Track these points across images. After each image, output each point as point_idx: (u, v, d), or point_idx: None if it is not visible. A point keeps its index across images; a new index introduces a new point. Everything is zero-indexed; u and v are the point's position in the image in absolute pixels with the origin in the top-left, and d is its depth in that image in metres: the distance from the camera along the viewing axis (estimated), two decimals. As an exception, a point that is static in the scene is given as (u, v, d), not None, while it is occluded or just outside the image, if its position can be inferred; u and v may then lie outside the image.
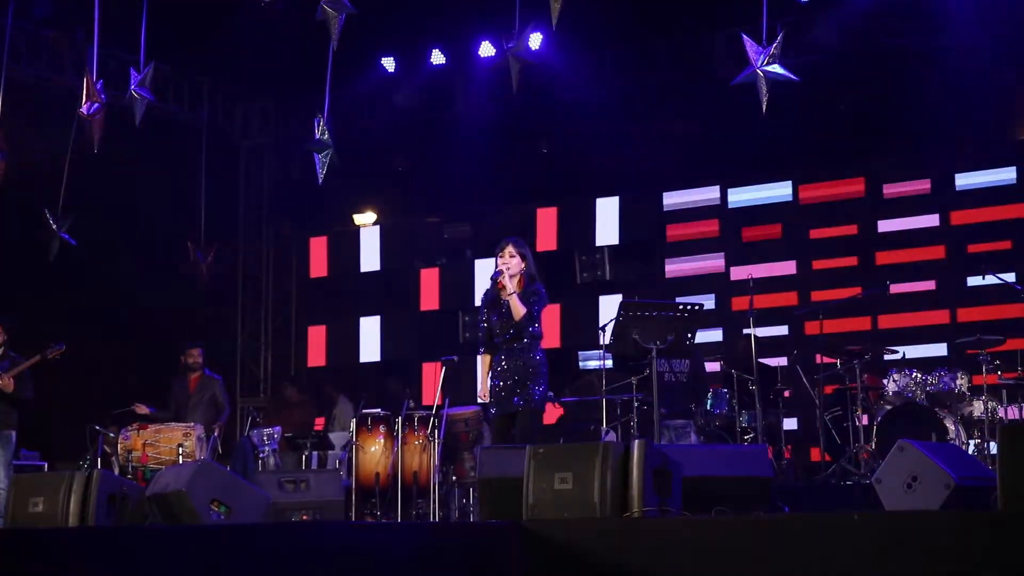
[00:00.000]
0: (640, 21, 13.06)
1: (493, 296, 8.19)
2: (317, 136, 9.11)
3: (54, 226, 10.52)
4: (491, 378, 8.19)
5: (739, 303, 12.83)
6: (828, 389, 11.35)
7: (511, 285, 8.05)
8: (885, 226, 13.10)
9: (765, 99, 7.87)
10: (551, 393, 12.40)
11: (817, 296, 12.93)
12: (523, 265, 8.15)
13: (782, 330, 13.03)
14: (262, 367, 16.16)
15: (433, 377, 14.58)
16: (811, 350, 11.62)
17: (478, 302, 8.66)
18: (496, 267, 8.15)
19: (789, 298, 13.27)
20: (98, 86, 9.59)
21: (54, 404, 12.47)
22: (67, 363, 10.73)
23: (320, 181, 9.25)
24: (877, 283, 11.72)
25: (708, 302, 13.26)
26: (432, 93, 14.60)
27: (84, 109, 9.31)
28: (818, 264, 13.36)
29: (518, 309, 8.00)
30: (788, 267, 13.51)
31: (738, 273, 13.31)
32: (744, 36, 7.91)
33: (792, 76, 7.91)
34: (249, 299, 16.27)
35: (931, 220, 12.91)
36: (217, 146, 15.19)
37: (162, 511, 7.04)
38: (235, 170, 16.17)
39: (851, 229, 13.27)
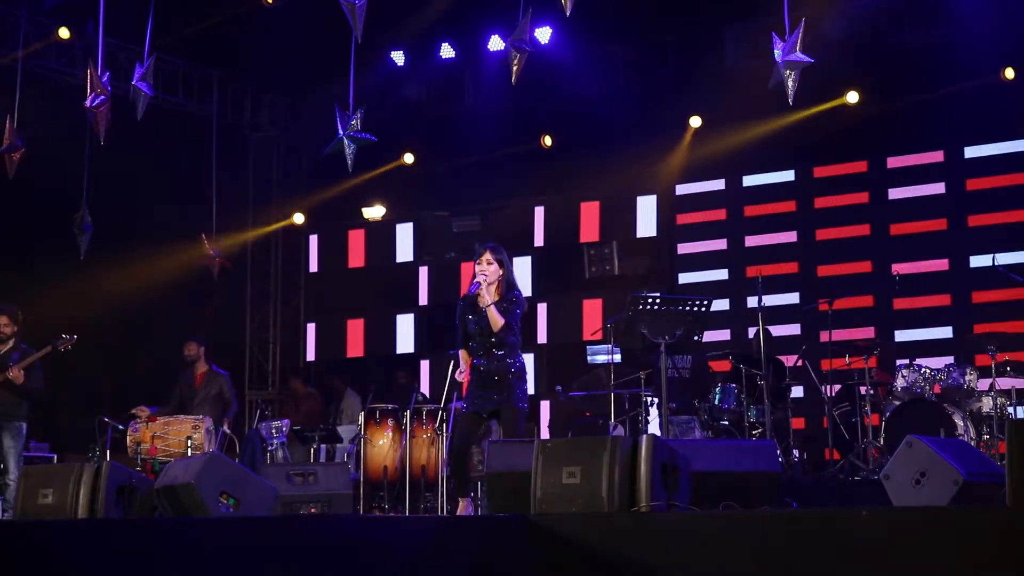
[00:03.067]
0: (649, 14, 13.05)
1: (472, 301, 8.15)
2: (351, 127, 9.08)
3: (84, 220, 10.57)
4: (471, 378, 8.17)
5: (750, 273, 12.84)
6: (837, 385, 11.34)
7: (488, 295, 8.02)
8: (895, 194, 13.09)
9: (793, 92, 7.85)
10: (559, 387, 12.47)
11: (824, 271, 12.94)
12: (501, 272, 8.10)
13: (793, 329, 12.99)
14: (270, 360, 16.19)
15: (433, 371, 14.67)
16: (820, 351, 11.61)
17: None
18: (474, 274, 8.12)
19: (793, 267, 13.33)
20: (104, 79, 9.60)
21: (63, 396, 12.52)
22: (76, 355, 10.75)
23: (350, 170, 9.23)
24: (887, 284, 11.73)
25: (721, 275, 13.45)
26: (441, 87, 14.60)
27: (88, 101, 9.32)
28: (823, 234, 13.36)
29: (496, 321, 7.97)
30: (793, 236, 13.52)
31: (748, 241, 13.52)
32: (773, 35, 7.90)
33: (807, 58, 7.87)
34: (257, 292, 16.30)
35: (938, 188, 12.90)
36: (227, 139, 15.21)
37: (171, 503, 7.05)
38: (244, 163, 16.20)
39: (862, 197, 13.25)
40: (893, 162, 13.15)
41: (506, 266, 8.13)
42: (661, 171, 14.02)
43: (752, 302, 11.15)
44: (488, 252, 8.12)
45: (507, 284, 8.11)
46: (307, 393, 13.82)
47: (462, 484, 8.19)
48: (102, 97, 9.37)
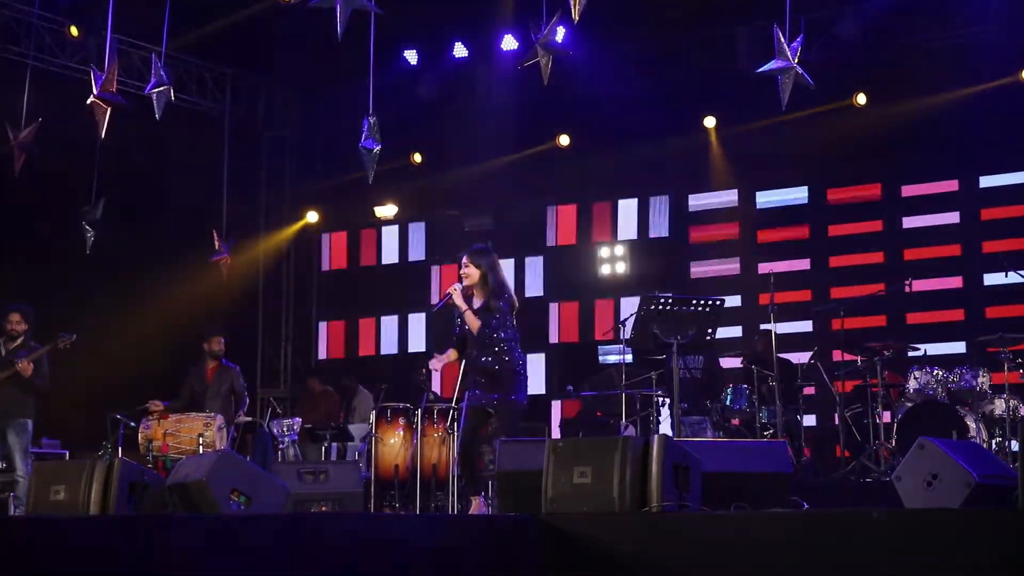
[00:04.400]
0: (663, 15, 13.05)
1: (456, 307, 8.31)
2: (367, 135, 9.08)
3: (92, 217, 10.57)
4: (469, 373, 8.32)
5: (762, 300, 12.78)
6: (848, 386, 11.32)
7: (461, 303, 8.16)
8: (909, 223, 13.04)
9: (787, 95, 7.86)
10: (570, 387, 12.47)
11: (837, 293, 12.89)
12: (480, 273, 8.20)
13: (804, 326, 12.95)
14: (282, 359, 16.21)
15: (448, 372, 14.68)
16: (832, 347, 11.60)
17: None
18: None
19: (808, 295, 13.26)
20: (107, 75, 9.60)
21: (75, 393, 12.54)
22: (88, 351, 10.76)
23: (370, 181, 9.25)
24: (898, 281, 11.72)
25: (733, 300, 13.33)
26: (454, 86, 14.61)
27: (97, 92, 9.34)
28: (837, 261, 13.30)
29: (473, 323, 8.13)
30: (808, 264, 13.48)
31: (761, 269, 13.37)
32: (776, 29, 7.89)
33: (810, 81, 7.90)
34: (269, 290, 16.31)
35: (953, 217, 12.86)
36: (239, 137, 15.22)
37: (182, 501, 7.06)
38: (257, 161, 16.22)
39: (875, 226, 13.21)
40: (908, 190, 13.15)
41: (486, 268, 8.23)
42: (674, 172, 14.01)
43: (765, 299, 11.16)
44: (465, 256, 8.30)
45: (489, 285, 8.18)
46: (324, 391, 13.82)
47: (471, 481, 8.24)
48: (112, 93, 9.37)
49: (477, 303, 8.19)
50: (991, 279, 12.24)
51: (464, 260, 8.28)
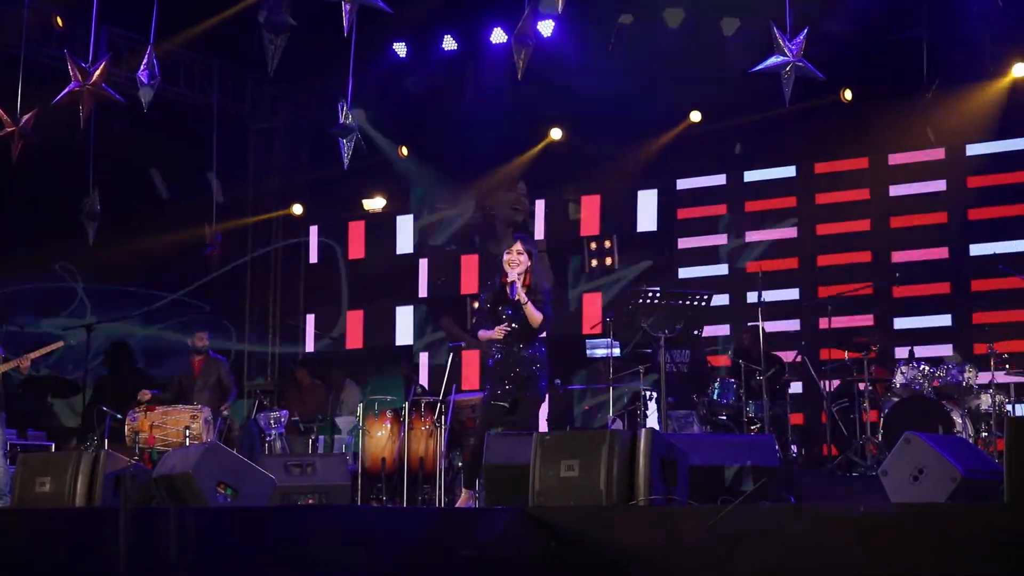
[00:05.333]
0: (650, 8, 13.04)
1: (502, 292, 8.10)
2: (341, 120, 9.03)
3: (92, 208, 10.55)
4: (492, 366, 8.15)
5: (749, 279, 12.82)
6: (835, 381, 11.34)
7: (524, 295, 7.92)
8: (896, 191, 13.02)
9: (789, 91, 7.85)
10: (558, 380, 12.47)
11: (824, 292, 12.91)
12: (530, 263, 8.05)
13: (792, 324, 12.94)
14: (269, 351, 16.18)
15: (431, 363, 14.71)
16: (819, 343, 11.61)
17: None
18: (503, 264, 8.03)
19: (793, 263, 13.29)
20: (96, 66, 9.57)
21: (61, 384, 12.51)
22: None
23: (345, 167, 9.14)
24: (887, 277, 11.74)
25: (720, 270, 13.46)
26: (443, 79, 14.58)
27: (74, 86, 9.32)
28: (823, 229, 13.30)
29: (535, 317, 7.92)
30: (794, 232, 13.48)
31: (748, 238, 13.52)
32: (774, 27, 7.88)
33: (819, 74, 7.89)
34: (257, 282, 16.28)
35: (938, 185, 12.82)
36: (227, 129, 15.18)
37: (169, 493, 7.05)
38: (245, 153, 16.18)
39: (863, 194, 13.19)
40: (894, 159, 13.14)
41: (534, 256, 8.07)
42: (662, 165, 14.01)
43: (751, 297, 11.11)
44: (518, 243, 8.02)
45: (536, 277, 8.05)
46: (312, 384, 13.80)
47: (472, 477, 8.17)
48: (89, 86, 9.35)
49: (525, 299, 7.92)
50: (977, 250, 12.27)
51: (517, 247, 7.98)
